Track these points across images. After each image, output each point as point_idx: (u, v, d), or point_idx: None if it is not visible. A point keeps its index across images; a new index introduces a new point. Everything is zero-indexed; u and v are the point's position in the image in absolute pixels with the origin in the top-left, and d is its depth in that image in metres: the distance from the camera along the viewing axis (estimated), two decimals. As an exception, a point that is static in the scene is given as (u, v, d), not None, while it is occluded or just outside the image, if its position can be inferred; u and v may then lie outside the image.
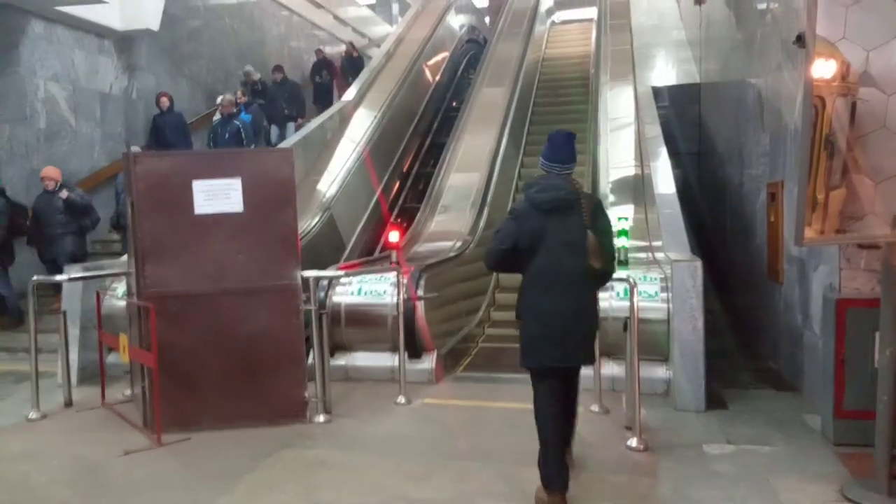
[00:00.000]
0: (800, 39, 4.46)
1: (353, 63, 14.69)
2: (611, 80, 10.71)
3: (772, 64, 5.95)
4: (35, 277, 5.50)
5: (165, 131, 10.04)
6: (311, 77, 14.55)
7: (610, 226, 3.78)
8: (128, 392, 5.54)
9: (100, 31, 9.92)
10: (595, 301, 3.67)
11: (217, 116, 10.14)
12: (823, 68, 3.38)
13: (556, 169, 3.65)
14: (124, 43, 10.43)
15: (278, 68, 12.28)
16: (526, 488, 3.70)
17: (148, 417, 4.75)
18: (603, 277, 3.70)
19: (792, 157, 5.26)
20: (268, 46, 14.57)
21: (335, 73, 14.58)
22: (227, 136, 9.55)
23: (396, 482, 3.84)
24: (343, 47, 16.15)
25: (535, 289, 3.56)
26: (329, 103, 13.96)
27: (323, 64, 14.40)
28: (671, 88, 10.58)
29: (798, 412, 4.80)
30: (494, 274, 8.92)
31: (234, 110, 9.75)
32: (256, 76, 12.21)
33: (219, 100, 10.07)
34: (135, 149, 9.31)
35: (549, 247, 3.50)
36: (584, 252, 3.48)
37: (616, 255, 4.18)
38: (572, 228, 3.50)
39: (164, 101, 10.24)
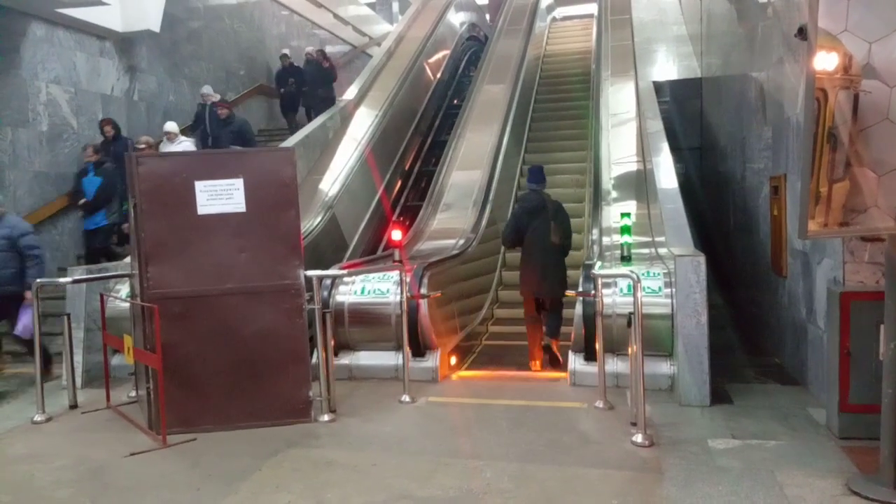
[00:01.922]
0: (801, 32, 4.44)
1: (323, 74, 12.70)
2: (612, 75, 10.70)
3: (773, 57, 5.93)
4: (38, 280, 5.51)
5: (113, 160, 8.84)
6: (276, 86, 13.41)
7: (566, 219, 6.45)
8: (133, 393, 5.55)
9: (101, 33, 9.92)
10: (561, 261, 6.39)
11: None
12: (825, 61, 3.37)
13: (534, 187, 6.56)
14: (125, 44, 10.44)
15: (224, 104, 10.38)
16: (531, 485, 3.71)
17: (153, 418, 4.76)
18: (563, 248, 6.38)
19: (794, 150, 5.24)
20: (268, 46, 14.57)
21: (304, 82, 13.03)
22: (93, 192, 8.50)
23: (401, 481, 3.84)
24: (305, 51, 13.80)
25: (526, 252, 6.45)
26: (294, 112, 12.99)
27: (290, 72, 13.12)
28: (673, 83, 10.56)
29: (803, 406, 4.79)
30: (498, 271, 8.94)
31: (96, 158, 8.57)
32: (216, 98, 10.85)
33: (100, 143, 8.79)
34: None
35: (532, 231, 6.35)
36: (549, 233, 6.26)
37: (571, 235, 6.53)
38: (542, 221, 6.31)
39: (108, 130, 9.21)
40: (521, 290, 6.49)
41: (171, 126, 9.41)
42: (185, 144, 9.36)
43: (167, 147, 9.24)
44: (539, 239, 6.26)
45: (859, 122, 3.42)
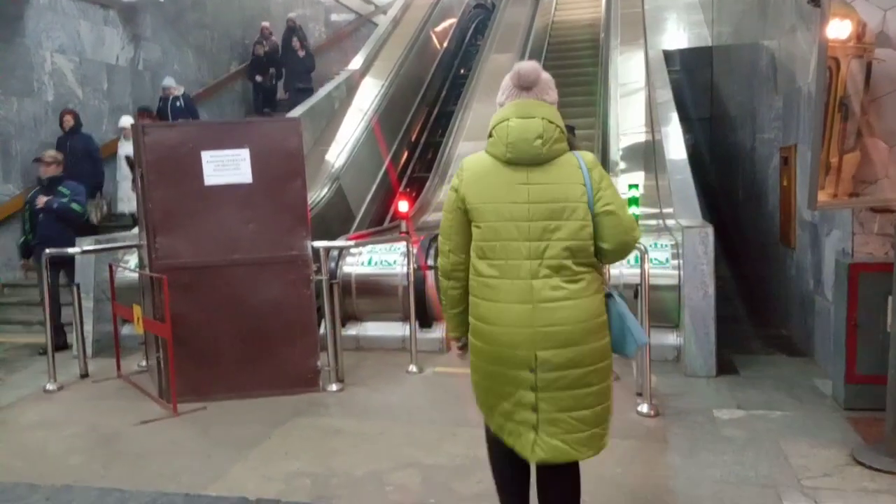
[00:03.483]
0: (815, -1, 4.37)
1: (299, 64, 11.73)
2: (621, 44, 10.57)
3: (785, 26, 5.84)
4: (47, 251, 5.54)
5: (69, 158, 7.39)
6: (249, 75, 12.22)
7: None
8: (143, 363, 5.61)
9: (104, 2, 9.83)
10: None
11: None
12: (839, 29, 3.32)
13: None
14: (129, 13, 10.35)
15: (147, 112, 8.96)
16: (537, 454, 3.74)
17: (163, 387, 4.81)
18: None
19: (805, 120, 5.19)
20: (273, 15, 14.40)
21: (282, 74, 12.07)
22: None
23: (408, 449, 3.89)
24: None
25: None
26: (272, 108, 11.98)
27: (270, 60, 11.89)
28: (683, 52, 10.41)
29: (809, 377, 4.80)
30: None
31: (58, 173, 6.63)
32: (179, 91, 9.87)
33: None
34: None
35: None
36: None
37: None
38: None
39: (68, 120, 8.35)
40: None
41: (127, 121, 8.70)
42: None
43: (125, 145, 8.38)
44: None
45: (871, 92, 3.38)
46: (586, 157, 2.44)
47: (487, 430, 2.64)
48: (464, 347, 2.64)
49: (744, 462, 3.56)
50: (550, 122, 2.37)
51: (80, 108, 9.42)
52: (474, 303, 2.45)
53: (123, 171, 8.49)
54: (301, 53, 11.91)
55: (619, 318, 2.51)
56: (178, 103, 9.81)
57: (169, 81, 10.06)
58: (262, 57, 12.08)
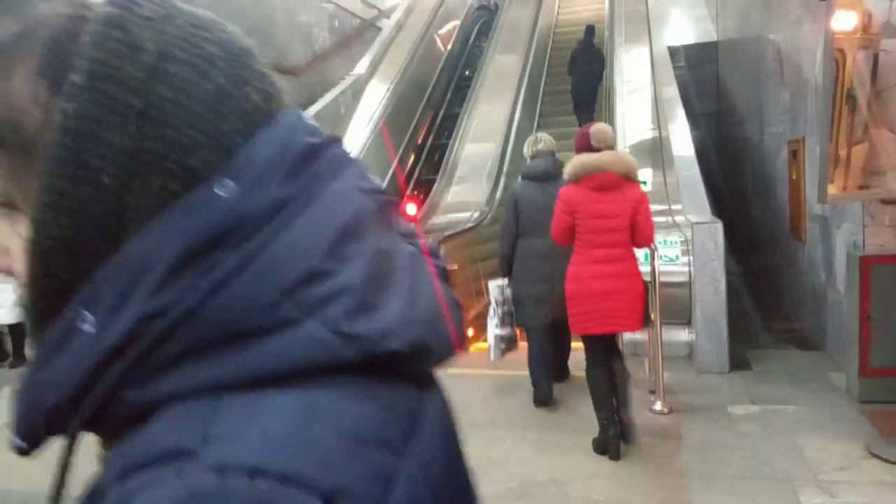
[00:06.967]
0: (819, -8, 4.35)
1: None
2: (625, 41, 10.55)
3: (791, 18, 5.82)
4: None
5: None
6: None
7: (602, 56, 10.70)
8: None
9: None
10: (596, 84, 10.37)
11: None
12: (844, 20, 3.31)
13: (588, 37, 10.66)
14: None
15: None
16: (551, 453, 3.74)
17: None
18: (599, 74, 10.44)
19: (813, 113, 5.17)
20: (277, 23, 14.47)
21: None
22: None
23: (423, 451, 3.89)
24: None
25: (574, 76, 10.26)
26: None
27: None
28: (688, 48, 10.38)
29: (822, 371, 4.78)
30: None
31: None
32: None
33: None
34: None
35: (582, 62, 10.43)
36: (593, 62, 10.55)
37: (605, 64, 10.63)
38: (588, 55, 10.48)
39: None
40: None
41: None
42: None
43: None
44: (585, 64, 10.01)
45: (879, 83, 3.36)
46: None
47: None
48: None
49: (759, 457, 3.54)
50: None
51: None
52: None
53: None
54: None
55: None
56: None
57: None
58: None
